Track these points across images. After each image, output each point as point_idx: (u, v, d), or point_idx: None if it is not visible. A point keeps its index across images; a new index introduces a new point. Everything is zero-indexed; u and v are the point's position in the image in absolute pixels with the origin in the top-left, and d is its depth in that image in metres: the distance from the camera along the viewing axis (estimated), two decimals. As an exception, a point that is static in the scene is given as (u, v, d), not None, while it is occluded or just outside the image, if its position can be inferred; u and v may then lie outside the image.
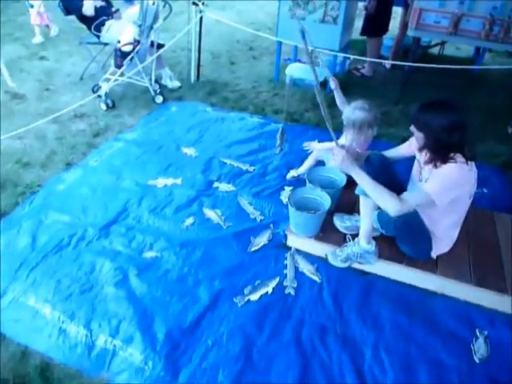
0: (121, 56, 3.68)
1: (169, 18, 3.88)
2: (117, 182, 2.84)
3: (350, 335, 1.90)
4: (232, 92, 4.29)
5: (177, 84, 4.31)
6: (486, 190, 2.85)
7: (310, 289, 2.11)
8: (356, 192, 2.08)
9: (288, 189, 2.80)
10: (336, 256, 2.19)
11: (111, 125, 3.56)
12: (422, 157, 1.94)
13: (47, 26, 5.46)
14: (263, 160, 3.15)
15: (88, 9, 3.82)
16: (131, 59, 3.68)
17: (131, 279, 2.12)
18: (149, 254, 2.28)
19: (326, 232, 2.33)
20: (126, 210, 2.59)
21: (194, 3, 3.95)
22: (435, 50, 5.17)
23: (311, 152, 2.79)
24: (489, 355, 1.82)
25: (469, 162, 1.79)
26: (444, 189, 1.79)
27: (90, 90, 3.93)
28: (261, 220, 2.55)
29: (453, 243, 2.13)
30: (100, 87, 3.79)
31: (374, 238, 2.18)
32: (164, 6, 3.80)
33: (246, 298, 2.05)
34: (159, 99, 3.95)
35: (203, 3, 3.95)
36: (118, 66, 3.72)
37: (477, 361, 1.81)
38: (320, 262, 2.25)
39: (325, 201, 2.30)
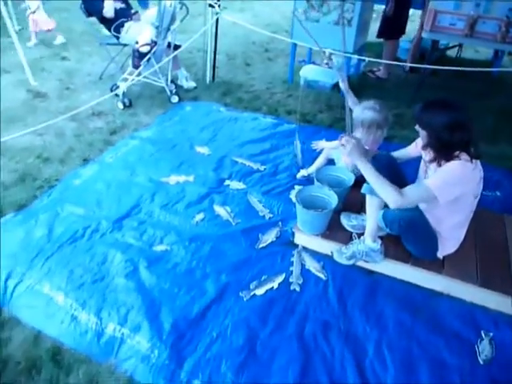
0: (138, 56, 3.78)
1: (186, 19, 3.96)
2: (131, 178, 2.92)
3: (353, 332, 1.92)
4: (246, 93, 4.34)
5: (192, 84, 4.40)
6: (498, 193, 2.83)
7: (315, 286, 2.13)
8: (362, 191, 2.10)
9: (298, 188, 2.83)
10: (341, 253, 2.20)
11: (127, 123, 3.66)
12: (427, 155, 1.94)
13: (49, 30, 5.45)
14: (274, 159, 3.19)
15: (108, 11, 3.95)
16: (148, 60, 3.77)
17: (141, 271, 2.18)
18: (159, 248, 2.34)
19: (333, 230, 2.34)
20: (138, 204, 2.67)
21: (210, 5, 4.03)
22: (453, 53, 5.12)
23: (321, 152, 2.82)
24: (493, 357, 1.81)
25: (473, 161, 1.79)
26: (446, 184, 1.79)
27: (109, 89, 4.04)
28: (269, 218, 2.59)
29: (459, 244, 2.12)
30: (118, 87, 3.90)
31: (381, 238, 2.18)
32: (181, 8, 3.88)
33: (252, 293, 2.08)
34: (175, 99, 4.04)
35: (219, 5, 4.02)
36: (136, 67, 3.82)
37: (481, 362, 1.80)
38: (326, 260, 2.26)
39: (332, 199, 2.32)
